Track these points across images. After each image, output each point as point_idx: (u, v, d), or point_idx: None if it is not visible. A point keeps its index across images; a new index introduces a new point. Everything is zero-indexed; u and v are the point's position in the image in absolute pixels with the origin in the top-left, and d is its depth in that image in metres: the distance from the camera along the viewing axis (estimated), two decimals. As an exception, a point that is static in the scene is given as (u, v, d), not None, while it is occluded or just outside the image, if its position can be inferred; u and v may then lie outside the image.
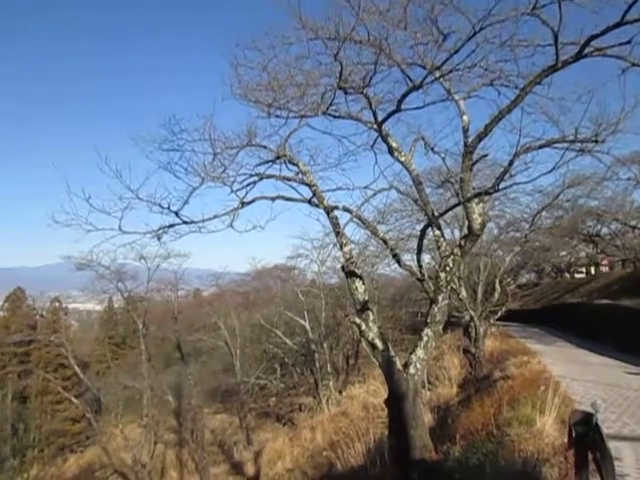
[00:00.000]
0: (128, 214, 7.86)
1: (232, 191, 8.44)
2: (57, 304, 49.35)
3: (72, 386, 39.61)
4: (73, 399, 31.36)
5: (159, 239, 8.46)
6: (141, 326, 26.96)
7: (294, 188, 9.25)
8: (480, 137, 7.76)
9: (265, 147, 9.20)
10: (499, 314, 20.17)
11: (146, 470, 25.42)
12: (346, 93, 7.97)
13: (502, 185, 7.93)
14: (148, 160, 8.30)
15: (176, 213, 8.10)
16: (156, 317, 37.30)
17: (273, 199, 8.83)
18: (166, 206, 7.91)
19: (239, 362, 34.83)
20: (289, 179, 9.30)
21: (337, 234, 8.94)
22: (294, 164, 9.32)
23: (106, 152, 7.70)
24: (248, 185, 8.74)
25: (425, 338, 8.41)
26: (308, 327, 31.34)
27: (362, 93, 7.67)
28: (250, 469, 26.24)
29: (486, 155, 8.77)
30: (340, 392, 28.16)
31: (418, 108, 8.20)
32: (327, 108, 8.41)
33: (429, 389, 17.90)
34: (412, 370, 8.25)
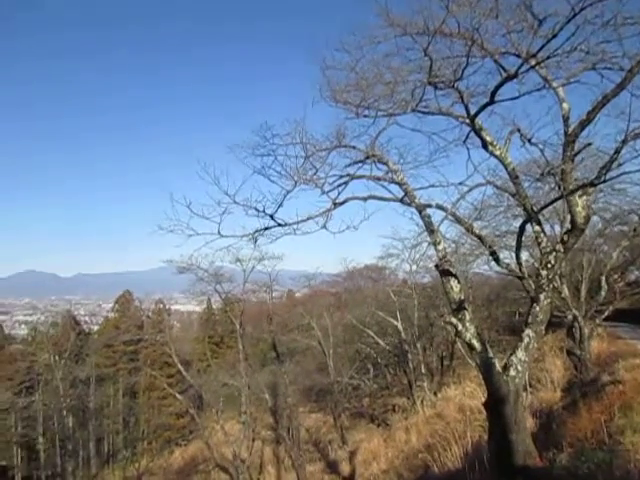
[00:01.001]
0: (226, 218, 8.22)
1: (324, 192, 8.52)
2: (161, 305, 52.32)
3: (176, 383, 41.81)
4: (177, 395, 33.01)
5: (255, 241, 8.73)
6: (238, 326, 27.86)
7: (385, 187, 9.18)
8: (582, 125, 7.29)
9: (354, 147, 9.20)
10: (606, 314, 18.86)
11: (245, 465, 26.21)
12: (436, 88, 7.80)
13: (609, 175, 7.39)
14: (243, 166, 8.58)
15: (271, 216, 8.31)
16: (252, 317, 38.46)
17: (365, 199, 8.80)
18: (261, 209, 8.14)
19: (332, 362, 35.14)
20: (379, 178, 9.23)
21: (430, 232, 8.77)
22: (384, 163, 9.24)
23: (205, 159, 8.09)
24: (339, 186, 8.77)
25: (526, 339, 8.05)
26: (400, 327, 31.01)
27: (453, 87, 7.46)
28: (345, 468, 26.33)
29: (590, 144, 8.21)
30: (435, 393, 27.60)
31: (513, 99, 7.83)
32: (416, 105, 8.27)
33: (530, 392, 17.09)
34: (512, 372, 7.92)
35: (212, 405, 33.38)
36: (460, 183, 8.71)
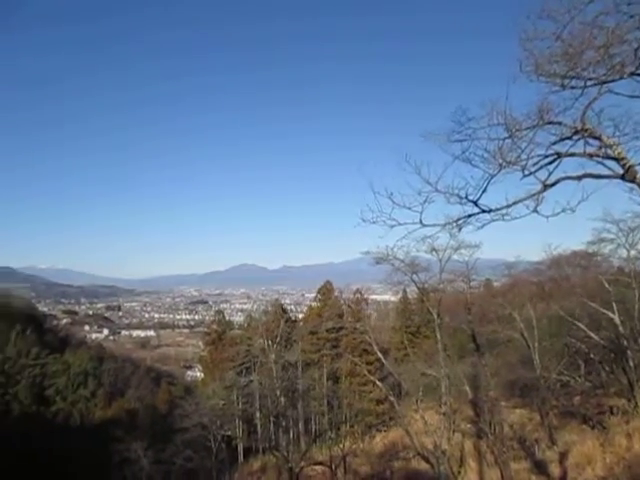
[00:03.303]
0: (427, 207, 8.22)
1: (530, 174, 7.99)
2: (359, 295, 54.21)
3: (375, 370, 43.05)
4: (377, 382, 33.95)
5: (460, 230, 8.57)
6: (435, 316, 27.64)
7: (602, 164, 8.27)
8: None
9: (560, 123, 8.44)
10: None
11: (446, 457, 26.01)
12: (664, 42, 6.79)
13: None
14: (443, 153, 8.47)
15: (475, 202, 8.06)
16: (449, 307, 37.79)
17: (579, 178, 8.02)
18: (464, 196, 7.96)
19: (537, 356, 33.01)
20: (592, 155, 8.36)
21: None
22: (596, 137, 8.32)
23: (405, 149, 8.21)
24: (548, 165, 8.15)
25: None
26: (617, 320, 27.89)
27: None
28: (555, 470, 24.64)
29: None
30: (664, 397, 24.36)
31: None
32: (636, 67, 7.31)
33: None
34: None
35: (411, 394, 33.65)
36: None
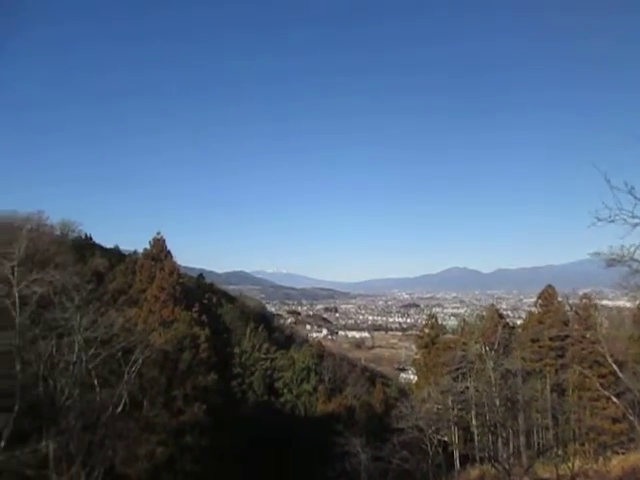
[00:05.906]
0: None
1: None
2: (587, 301, 49.32)
3: (609, 384, 38.70)
4: (613, 398, 30.61)
5: None
6: (686, 326, 23.86)
7: None
8: None
9: None
10: None
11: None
12: None
13: None
14: None
15: None
16: None
17: None
18: None
19: None
20: None
21: None
22: None
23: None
24: None
25: None
26: None
27: None
28: None
29: None
30: None
31: None
32: None
33: None
34: None
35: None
36: None
